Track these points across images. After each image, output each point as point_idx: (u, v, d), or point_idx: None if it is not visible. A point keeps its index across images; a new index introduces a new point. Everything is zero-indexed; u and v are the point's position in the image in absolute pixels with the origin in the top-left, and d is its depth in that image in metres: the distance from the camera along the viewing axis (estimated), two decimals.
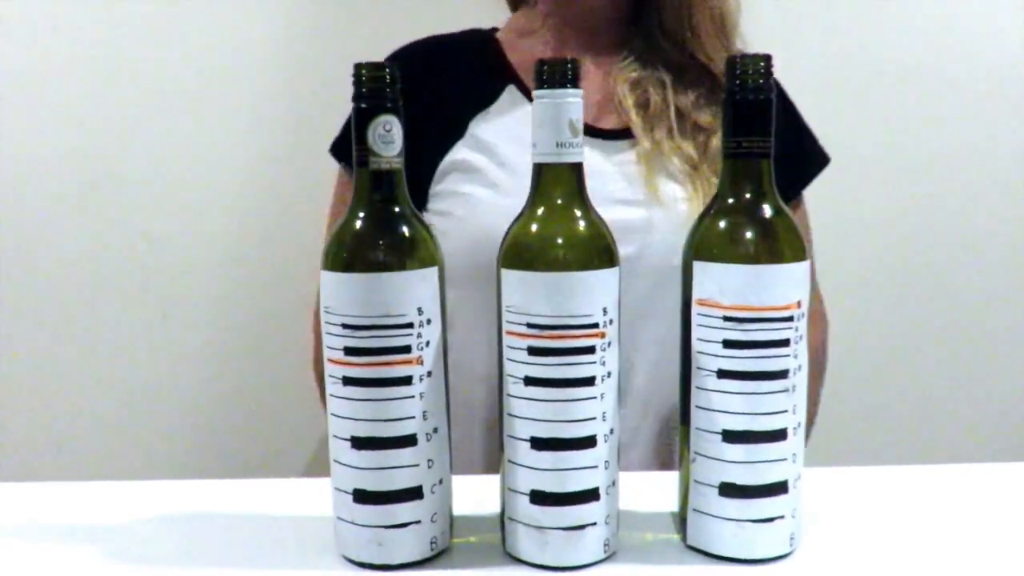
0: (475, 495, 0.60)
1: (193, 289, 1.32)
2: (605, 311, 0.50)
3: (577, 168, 0.51)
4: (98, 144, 1.28)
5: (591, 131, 0.86)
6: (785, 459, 0.52)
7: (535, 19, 0.93)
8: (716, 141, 0.84)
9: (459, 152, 0.86)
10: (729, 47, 0.87)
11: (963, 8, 1.30)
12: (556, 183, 0.51)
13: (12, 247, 1.30)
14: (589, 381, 0.50)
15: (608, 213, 0.78)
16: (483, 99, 0.88)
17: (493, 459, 0.60)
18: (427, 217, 0.88)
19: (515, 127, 0.85)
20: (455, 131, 0.87)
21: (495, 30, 0.96)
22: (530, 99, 0.84)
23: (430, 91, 0.87)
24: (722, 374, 0.51)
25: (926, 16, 1.30)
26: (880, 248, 1.34)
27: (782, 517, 0.52)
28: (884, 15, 1.28)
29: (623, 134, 0.87)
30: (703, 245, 0.52)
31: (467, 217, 0.83)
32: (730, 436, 0.51)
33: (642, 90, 0.87)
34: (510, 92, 0.89)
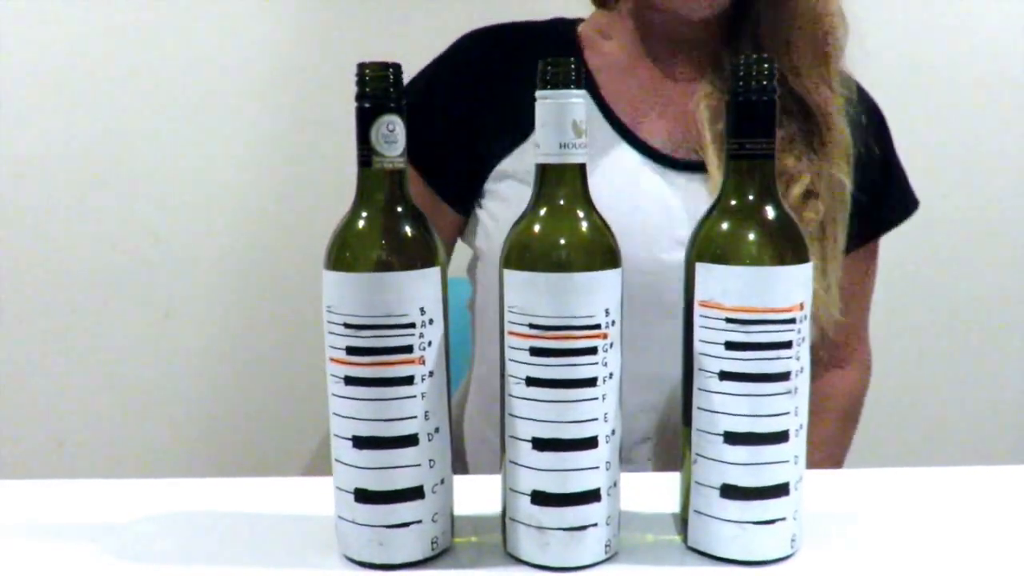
0: (476, 495, 0.60)
1: (196, 288, 1.32)
2: (607, 312, 0.50)
3: (580, 169, 0.51)
4: (102, 143, 1.28)
5: (662, 158, 0.82)
6: (787, 461, 0.52)
7: (616, 21, 0.88)
8: (798, 189, 0.78)
9: (521, 159, 0.82)
10: (829, 77, 0.80)
11: (963, 8, 1.29)
12: (559, 184, 0.51)
13: (17, 244, 1.30)
14: (591, 382, 0.50)
15: (668, 255, 0.76)
16: None
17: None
18: (477, 211, 0.86)
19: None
20: (520, 133, 0.82)
21: (579, 21, 0.91)
22: (601, 110, 0.83)
23: (500, 81, 0.84)
24: (724, 376, 0.51)
25: (926, 16, 1.29)
26: (883, 246, 1.34)
27: (783, 519, 0.52)
28: (884, 15, 1.28)
29: (698, 167, 0.81)
30: (706, 246, 0.52)
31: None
32: (732, 438, 0.51)
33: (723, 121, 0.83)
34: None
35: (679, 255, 0.77)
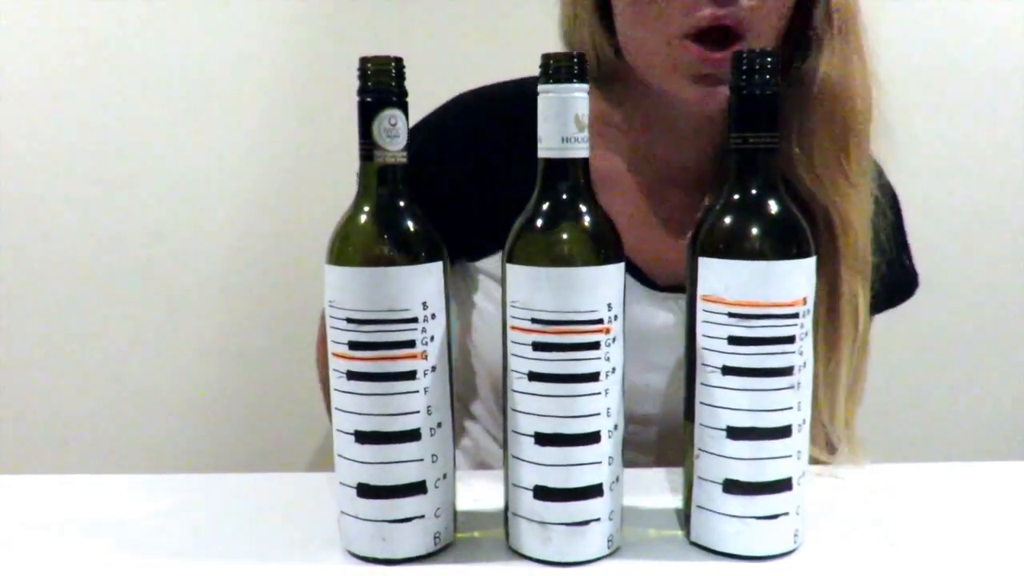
0: (479, 490, 0.60)
1: (199, 284, 1.32)
2: (610, 307, 0.50)
3: (583, 163, 0.51)
4: (104, 139, 1.28)
5: (644, 279, 0.75)
6: (789, 456, 0.52)
7: (617, 111, 0.78)
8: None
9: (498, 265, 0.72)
10: (849, 171, 0.69)
11: (964, 7, 1.29)
12: (561, 178, 0.51)
13: (19, 241, 1.30)
14: (593, 377, 0.50)
15: (639, 378, 0.69)
16: None
17: None
18: (473, 297, 0.80)
19: None
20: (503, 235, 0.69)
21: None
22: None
23: (490, 168, 0.77)
24: (727, 370, 0.51)
25: (926, 15, 1.29)
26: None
27: (786, 514, 0.52)
28: (884, 14, 1.28)
29: (678, 288, 0.74)
30: (708, 241, 0.52)
31: (484, 343, 0.78)
32: (734, 433, 0.51)
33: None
34: None
35: (654, 378, 0.73)
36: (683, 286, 0.59)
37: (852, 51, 0.68)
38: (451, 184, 0.79)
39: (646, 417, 0.75)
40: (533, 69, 0.52)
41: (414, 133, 0.85)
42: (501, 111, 0.78)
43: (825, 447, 0.71)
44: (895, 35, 1.28)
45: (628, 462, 0.55)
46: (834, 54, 0.68)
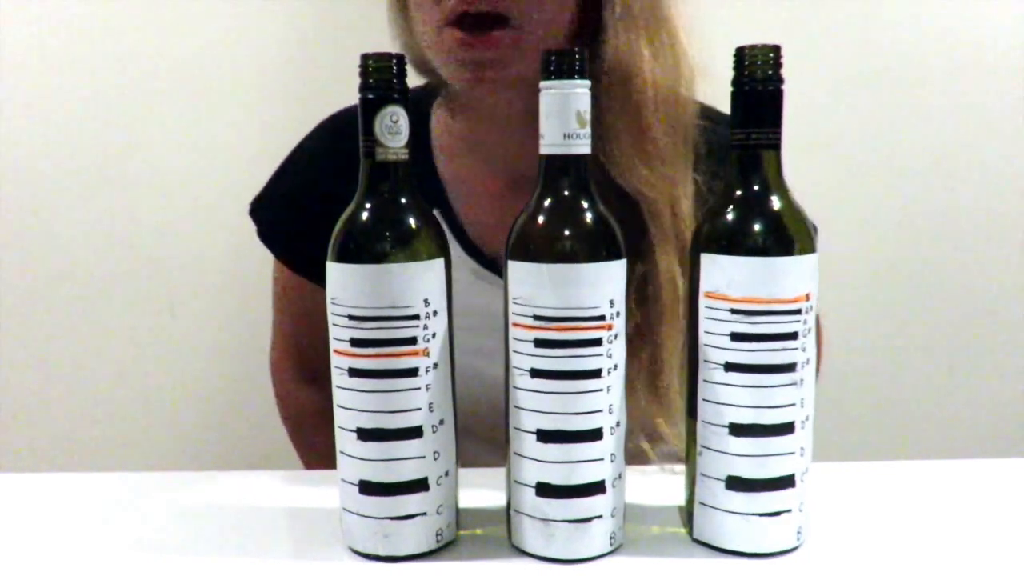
0: (481, 488, 0.60)
1: (201, 285, 1.32)
2: (612, 303, 0.50)
3: (584, 160, 0.51)
4: (107, 140, 1.28)
5: (496, 267, 0.77)
6: (792, 453, 0.51)
7: (458, 118, 0.80)
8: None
9: None
10: (653, 169, 0.69)
11: (965, 6, 1.29)
12: (563, 174, 0.51)
13: (22, 241, 1.30)
14: (596, 373, 0.50)
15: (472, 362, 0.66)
16: None
17: None
18: None
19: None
20: None
21: (431, 103, 0.83)
22: (455, 229, 0.77)
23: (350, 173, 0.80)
24: (729, 367, 0.51)
25: (927, 14, 1.29)
26: (885, 244, 1.34)
27: (789, 511, 0.52)
28: (886, 13, 1.28)
29: None
30: (711, 237, 0.52)
31: None
32: (737, 429, 0.51)
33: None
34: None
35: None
36: None
37: (639, 38, 0.68)
38: (325, 208, 0.80)
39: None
40: None
41: (284, 168, 0.86)
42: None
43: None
44: (895, 34, 1.28)
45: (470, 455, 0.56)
46: (619, 41, 0.68)
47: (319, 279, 0.84)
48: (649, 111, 0.68)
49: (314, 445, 0.92)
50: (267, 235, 0.87)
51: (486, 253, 0.79)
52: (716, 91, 0.64)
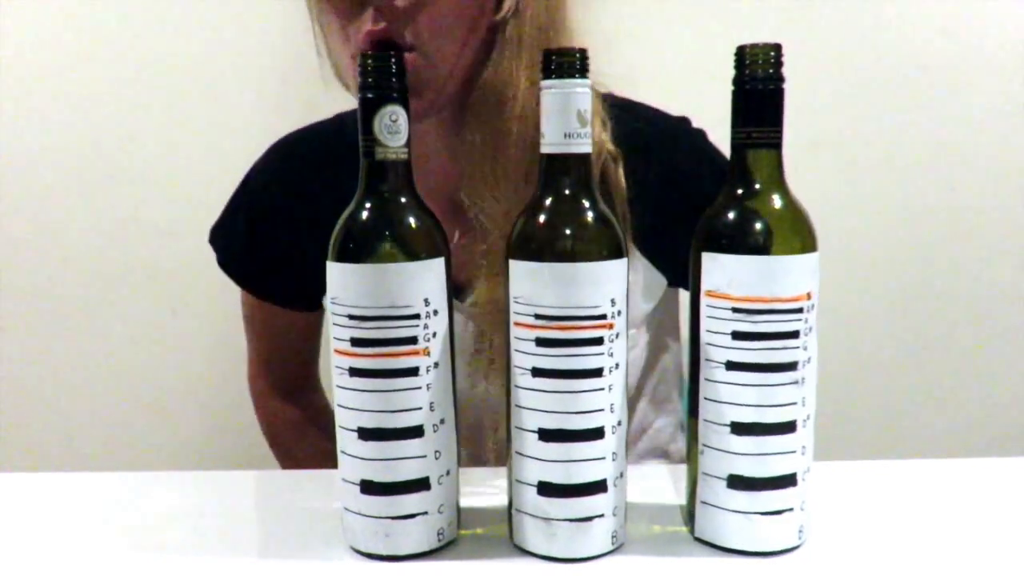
0: (482, 487, 0.60)
1: (203, 285, 1.32)
2: (613, 302, 0.50)
3: (585, 159, 0.51)
4: (109, 139, 1.28)
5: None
6: (794, 451, 0.51)
7: None
8: None
9: None
10: (497, 197, 0.69)
11: (968, 3, 1.29)
12: (564, 173, 0.51)
13: (25, 241, 1.30)
14: (597, 372, 0.50)
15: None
16: None
17: None
18: None
19: None
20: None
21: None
22: None
23: (303, 197, 0.79)
24: (731, 366, 0.51)
25: (930, 12, 1.29)
26: (886, 243, 1.34)
27: (791, 510, 0.52)
28: (888, 11, 1.28)
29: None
30: (712, 236, 0.52)
31: None
32: (739, 428, 0.51)
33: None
34: None
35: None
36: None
37: (520, 65, 0.68)
38: (283, 234, 0.80)
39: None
40: None
41: (238, 196, 0.86)
42: (317, 152, 0.80)
43: None
44: (897, 33, 1.28)
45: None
46: (500, 65, 0.68)
47: (284, 301, 0.85)
48: (511, 139, 0.68)
49: (295, 455, 0.92)
50: (227, 263, 0.87)
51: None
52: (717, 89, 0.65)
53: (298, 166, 0.83)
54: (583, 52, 0.50)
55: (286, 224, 0.79)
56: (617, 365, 0.51)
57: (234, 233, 0.86)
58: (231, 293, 1.32)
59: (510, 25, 0.68)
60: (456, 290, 0.70)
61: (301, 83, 1.27)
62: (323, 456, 0.53)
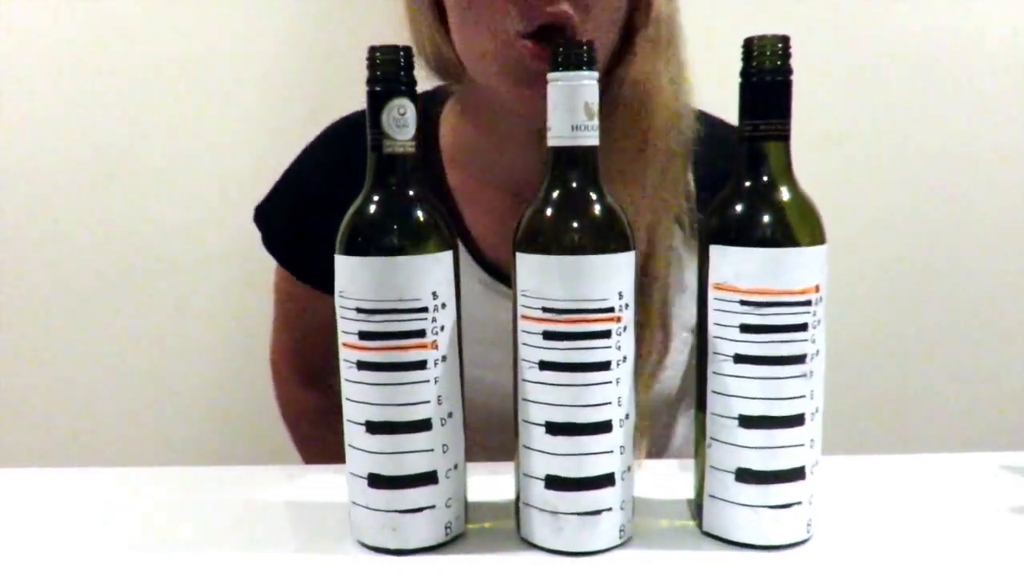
0: (490, 481, 0.60)
1: (207, 282, 1.32)
2: (621, 295, 0.50)
3: (592, 151, 0.51)
4: (114, 138, 1.29)
5: (502, 277, 0.76)
6: (802, 445, 0.51)
7: (469, 126, 0.79)
8: None
9: None
10: (646, 193, 0.70)
11: (972, 4, 1.28)
12: (571, 166, 0.51)
13: (29, 239, 1.31)
14: (604, 366, 0.50)
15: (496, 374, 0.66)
16: None
17: None
18: None
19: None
20: None
21: (441, 108, 0.82)
22: (464, 238, 0.76)
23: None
24: (739, 359, 0.51)
25: (939, 5, 1.28)
26: (895, 236, 1.33)
27: (799, 503, 0.52)
28: (897, 3, 1.27)
29: None
30: (720, 229, 0.52)
31: None
32: (747, 421, 0.51)
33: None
34: None
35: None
36: None
37: (663, 61, 0.69)
38: (331, 216, 0.80)
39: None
40: None
41: (289, 175, 0.85)
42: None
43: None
44: (906, 26, 1.27)
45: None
46: (646, 62, 0.68)
47: (323, 286, 0.85)
48: (656, 135, 0.69)
49: (313, 446, 0.92)
50: (272, 243, 0.87)
51: (494, 263, 0.78)
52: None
53: (351, 148, 0.82)
54: (590, 44, 0.50)
55: (334, 207, 0.79)
56: (625, 358, 0.51)
57: (281, 213, 0.86)
58: (236, 291, 1.32)
59: (651, 23, 0.69)
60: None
61: (307, 82, 1.27)
62: (343, 446, 0.53)
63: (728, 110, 0.61)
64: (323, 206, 0.81)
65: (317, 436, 0.92)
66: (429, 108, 0.82)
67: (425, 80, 0.79)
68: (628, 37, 0.70)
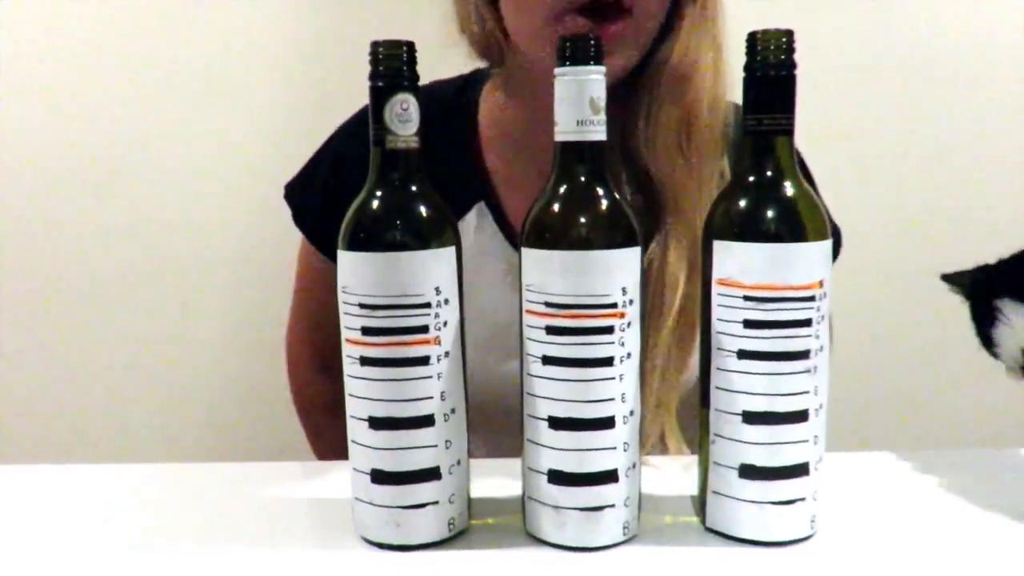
0: (494, 477, 0.60)
1: (213, 279, 1.33)
2: (624, 291, 0.50)
3: (598, 146, 0.51)
4: (119, 136, 1.29)
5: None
6: (806, 441, 0.51)
7: (512, 83, 0.78)
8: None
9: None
10: (691, 166, 0.71)
11: (979, 3, 1.28)
12: (577, 161, 0.51)
13: (35, 237, 1.31)
14: (607, 361, 0.50)
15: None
16: None
17: None
18: None
19: (473, 257, 0.70)
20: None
21: (480, 90, 0.82)
22: (499, 221, 0.77)
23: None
24: (743, 354, 0.50)
25: (945, 3, 1.28)
26: (900, 233, 1.33)
27: (803, 499, 0.52)
28: (896, 9, 1.27)
29: None
30: (723, 224, 0.51)
31: None
32: (750, 417, 0.51)
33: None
34: (478, 211, 0.78)
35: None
36: None
37: (706, 39, 0.70)
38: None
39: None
40: None
41: (321, 154, 0.84)
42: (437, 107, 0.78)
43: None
44: (913, 23, 1.27)
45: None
46: (689, 40, 0.69)
47: None
48: (700, 109, 0.69)
49: (325, 435, 0.92)
50: (302, 219, 0.87)
51: None
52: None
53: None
54: (597, 39, 0.50)
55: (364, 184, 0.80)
56: (629, 354, 0.51)
57: (312, 190, 0.86)
58: (241, 288, 1.32)
59: (689, 3, 0.70)
60: None
61: (309, 75, 1.27)
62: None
63: None
64: (353, 183, 0.81)
65: (329, 425, 0.92)
66: (467, 92, 0.82)
67: (462, 65, 0.79)
68: (675, 11, 0.70)
